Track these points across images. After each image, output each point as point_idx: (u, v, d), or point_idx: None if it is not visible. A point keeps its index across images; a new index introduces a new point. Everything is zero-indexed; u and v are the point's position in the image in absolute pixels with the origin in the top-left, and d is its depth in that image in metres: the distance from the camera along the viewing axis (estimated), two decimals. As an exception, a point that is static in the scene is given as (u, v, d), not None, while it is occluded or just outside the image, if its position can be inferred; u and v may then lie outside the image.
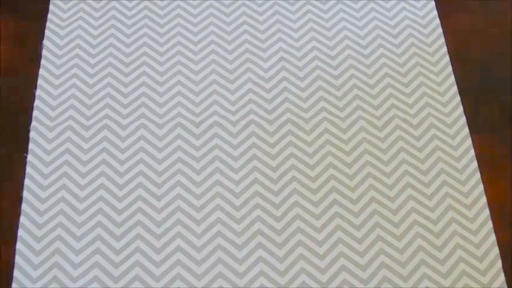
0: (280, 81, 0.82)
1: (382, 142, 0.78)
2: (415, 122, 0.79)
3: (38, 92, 0.81)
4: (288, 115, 0.79)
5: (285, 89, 0.81)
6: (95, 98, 0.80)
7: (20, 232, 0.72)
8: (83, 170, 0.76)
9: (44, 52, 0.84)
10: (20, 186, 0.75)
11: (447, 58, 0.84)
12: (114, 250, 0.71)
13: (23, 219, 0.73)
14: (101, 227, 0.72)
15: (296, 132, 0.78)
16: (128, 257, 0.71)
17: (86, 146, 0.77)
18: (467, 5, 0.89)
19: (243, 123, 0.79)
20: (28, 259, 0.70)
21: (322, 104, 0.80)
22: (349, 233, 0.72)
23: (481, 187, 0.75)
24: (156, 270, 0.70)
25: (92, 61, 0.83)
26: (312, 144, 0.78)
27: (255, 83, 0.82)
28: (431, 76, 0.83)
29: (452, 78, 0.83)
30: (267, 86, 0.81)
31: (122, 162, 0.76)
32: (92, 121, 0.79)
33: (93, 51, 0.84)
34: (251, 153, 0.77)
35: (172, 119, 0.79)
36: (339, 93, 0.81)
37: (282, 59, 0.84)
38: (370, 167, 0.76)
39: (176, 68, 0.83)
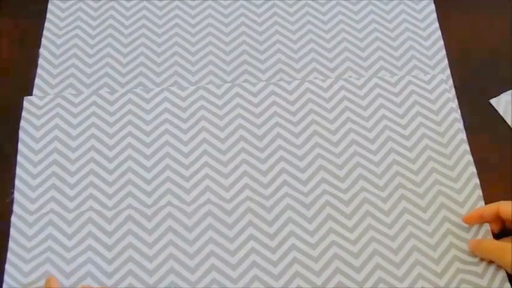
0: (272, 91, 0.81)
1: (372, 144, 0.77)
2: (403, 122, 0.78)
3: (35, 92, 0.81)
4: (277, 129, 0.78)
5: (272, 95, 0.80)
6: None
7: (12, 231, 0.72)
8: (72, 168, 0.76)
9: (42, 51, 0.83)
10: (11, 185, 0.75)
11: (445, 61, 0.83)
12: (107, 246, 0.71)
13: (14, 219, 0.73)
14: (92, 223, 0.72)
15: (285, 135, 0.78)
16: (120, 252, 0.71)
17: (74, 144, 0.77)
18: (467, 6, 0.88)
19: (231, 124, 0.79)
20: (20, 256, 0.71)
21: (312, 116, 0.79)
22: (345, 248, 0.72)
23: (477, 180, 0.75)
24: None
25: (90, 61, 0.83)
26: (301, 139, 0.78)
27: (251, 85, 0.81)
28: (428, 70, 0.82)
29: (450, 82, 0.82)
30: (261, 89, 0.81)
31: (110, 160, 0.76)
32: None
33: (90, 51, 0.84)
34: (239, 146, 0.77)
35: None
36: (328, 101, 0.80)
37: (279, 61, 0.83)
38: (363, 180, 0.75)
39: (173, 69, 0.83)
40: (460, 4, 0.88)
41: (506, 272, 0.69)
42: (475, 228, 0.72)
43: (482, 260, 0.70)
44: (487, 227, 0.72)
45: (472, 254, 0.71)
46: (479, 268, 0.70)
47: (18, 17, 0.87)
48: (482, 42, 0.85)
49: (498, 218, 0.71)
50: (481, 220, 0.71)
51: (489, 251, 0.69)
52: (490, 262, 0.70)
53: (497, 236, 0.72)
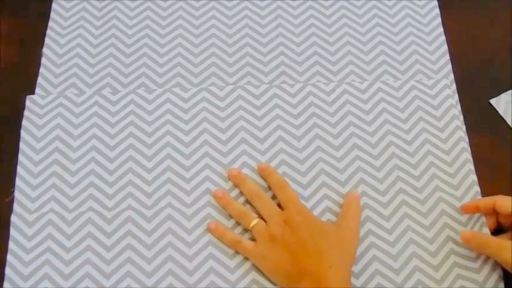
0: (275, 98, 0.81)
1: (374, 148, 0.77)
2: (406, 127, 0.78)
3: (37, 91, 0.81)
4: (279, 131, 0.78)
5: (275, 97, 0.80)
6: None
7: (12, 231, 0.72)
8: (73, 168, 0.76)
9: (45, 50, 0.83)
10: (12, 184, 0.75)
11: (449, 66, 0.83)
12: (106, 247, 0.71)
13: (14, 218, 0.73)
14: (92, 224, 0.72)
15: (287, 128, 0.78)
16: (119, 253, 0.71)
17: (75, 143, 0.77)
18: (467, 6, 0.87)
19: (232, 128, 0.78)
20: (20, 257, 0.70)
21: (314, 120, 0.79)
22: None
23: (477, 188, 0.75)
24: (148, 280, 0.70)
25: (93, 61, 0.83)
26: (303, 143, 0.77)
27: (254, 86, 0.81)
28: (431, 74, 0.82)
29: (453, 87, 0.81)
30: (264, 93, 0.81)
31: (111, 160, 0.76)
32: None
33: (94, 51, 0.84)
34: (240, 148, 0.77)
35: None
36: (330, 105, 0.80)
37: (282, 63, 0.83)
38: (364, 185, 0.75)
39: (176, 70, 0.82)
40: (460, 4, 0.88)
41: (503, 271, 0.69)
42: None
43: (482, 267, 0.70)
44: (487, 230, 0.72)
45: (466, 245, 0.70)
46: (479, 276, 0.70)
47: (18, 17, 0.87)
48: (482, 42, 0.85)
49: (493, 212, 0.71)
50: (476, 210, 0.71)
51: (487, 246, 0.68)
52: (487, 258, 0.70)
53: (493, 233, 0.72)
